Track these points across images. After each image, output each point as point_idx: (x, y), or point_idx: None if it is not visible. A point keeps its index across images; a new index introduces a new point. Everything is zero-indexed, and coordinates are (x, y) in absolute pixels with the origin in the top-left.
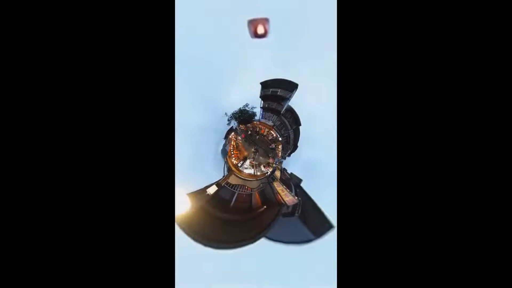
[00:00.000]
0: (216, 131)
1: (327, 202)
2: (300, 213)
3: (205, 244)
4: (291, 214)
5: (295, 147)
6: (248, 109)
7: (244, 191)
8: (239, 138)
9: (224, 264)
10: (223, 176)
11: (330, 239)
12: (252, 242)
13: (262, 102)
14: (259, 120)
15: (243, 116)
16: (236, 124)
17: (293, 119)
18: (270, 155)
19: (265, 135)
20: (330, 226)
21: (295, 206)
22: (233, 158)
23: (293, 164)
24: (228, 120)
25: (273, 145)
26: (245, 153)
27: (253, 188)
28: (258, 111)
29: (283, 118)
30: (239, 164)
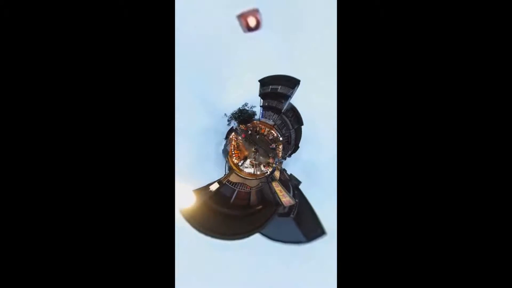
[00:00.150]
0: (216, 132)
1: (326, 205)
2: (296, 215)
3: (206, 234)
4: (287, 214)
5: (296, 148)
6: (247, 109)
7: (244, 189)
8: (240, 138)
9: (224, 264)
10: (225, 174)
11: (330, 239)
12: (247, 236)
13: (261, 100)
14: (259, 120)
15: (242, 116)
16: (236, 124)
17: (295, 118)
18: (270, 155)
19: (265, 135)
20: (322, 232)
21: (291, 207)
22: (234, 158)
23: (293, 165)
24: (228, 120)
25: (273, 145)
26: (246, 153)
27: (253, 187)
28: (258, 110)
29: (284, 117)
30: (240, 163)
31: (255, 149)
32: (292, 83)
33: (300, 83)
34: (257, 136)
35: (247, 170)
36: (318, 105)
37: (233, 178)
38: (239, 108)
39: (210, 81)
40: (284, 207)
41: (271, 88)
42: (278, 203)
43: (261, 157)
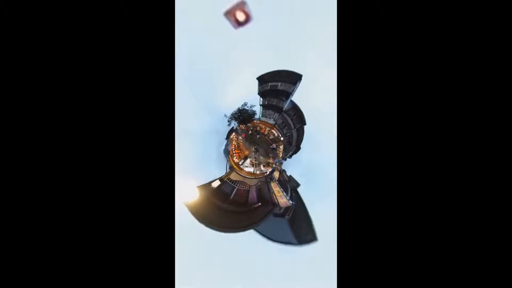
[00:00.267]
0: (217, 133)
1: (326, 206)
2: (290, 216)
3: (207, 225)
4: (282, 215)
5: (297, 149)
6: (247, 108)
7: (243, 187)
8: (240, 138)
9: (224, 263)
10: (226, 173)
11: (330, 239)
12: (243, 230)
13: (261, 99)
14: (259, 119)
15: (242, 116)
16: (236, 125)
17: (298, 117)
18: (270, 155)
19: (266, 135)
20: (314, 238)
21: (287, 208)
22: (235, 157)
23: (293, 166)
24: (228, 121)
25: (274, 145)
26: (246, 152)
27: (251, 186)
28: (258, 109)
29: (285, 116)
30: (240, 162)
31: (255, 148)
32: (293, 78)
33: (302, 78)
34: (258, 136)
35: (247, 169)
36: (325, 100)
37: (234, 176)
38: (239, 108)
39: (210, 81)
40: (280, 208)
41: (270, 86)
42: (274, 203)
43: (261, 157)
